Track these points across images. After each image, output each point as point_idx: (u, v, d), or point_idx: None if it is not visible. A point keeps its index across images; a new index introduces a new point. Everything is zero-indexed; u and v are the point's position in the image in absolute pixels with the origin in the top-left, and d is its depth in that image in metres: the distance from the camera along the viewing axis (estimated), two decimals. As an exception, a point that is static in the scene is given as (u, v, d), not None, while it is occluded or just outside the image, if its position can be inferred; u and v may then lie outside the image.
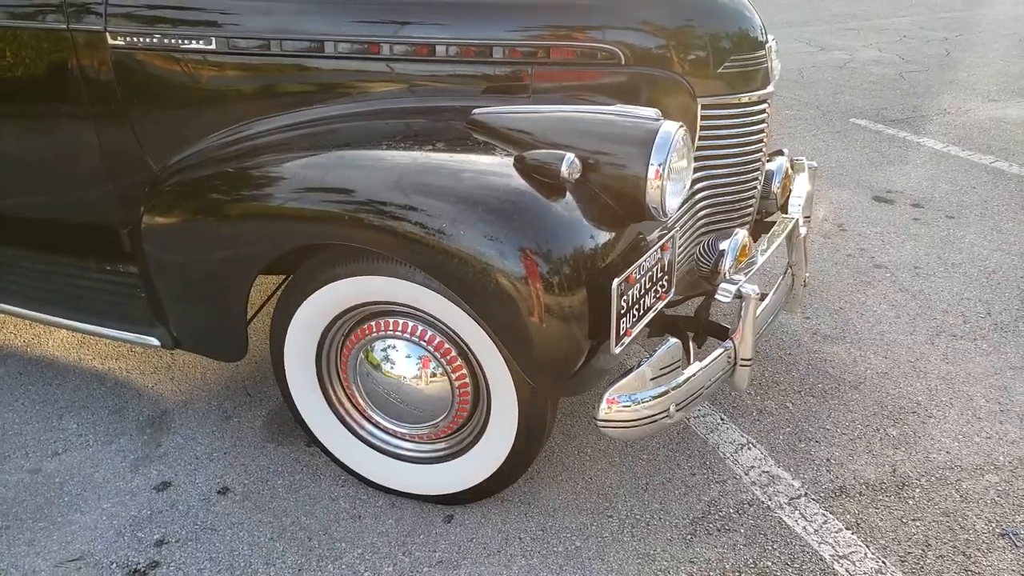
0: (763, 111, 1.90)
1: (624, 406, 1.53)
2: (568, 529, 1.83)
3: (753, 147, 1.90)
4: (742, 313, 1.68)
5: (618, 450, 2.07)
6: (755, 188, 1.96)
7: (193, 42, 1.84)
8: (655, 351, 1.55)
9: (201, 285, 1.84)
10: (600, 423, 1.54)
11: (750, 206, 1.97)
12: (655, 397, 1.55)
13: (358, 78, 1.81)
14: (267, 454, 2.10)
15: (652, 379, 1.53)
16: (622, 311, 1.48)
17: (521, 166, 1.49)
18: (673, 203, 1.53)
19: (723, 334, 1.88)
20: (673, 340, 1.56)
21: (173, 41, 1.85)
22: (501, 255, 1.43)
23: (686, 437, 2.12)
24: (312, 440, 1.95)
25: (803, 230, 1.99)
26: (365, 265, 1.66)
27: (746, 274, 1.71)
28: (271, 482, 2.00)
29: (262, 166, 1.72)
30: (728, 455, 2.05)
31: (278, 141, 1.78)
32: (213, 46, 1.84)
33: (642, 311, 1.57)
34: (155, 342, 2.00)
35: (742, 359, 1.70)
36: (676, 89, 1.78)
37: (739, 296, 1.65)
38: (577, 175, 1.47)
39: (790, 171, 2.18)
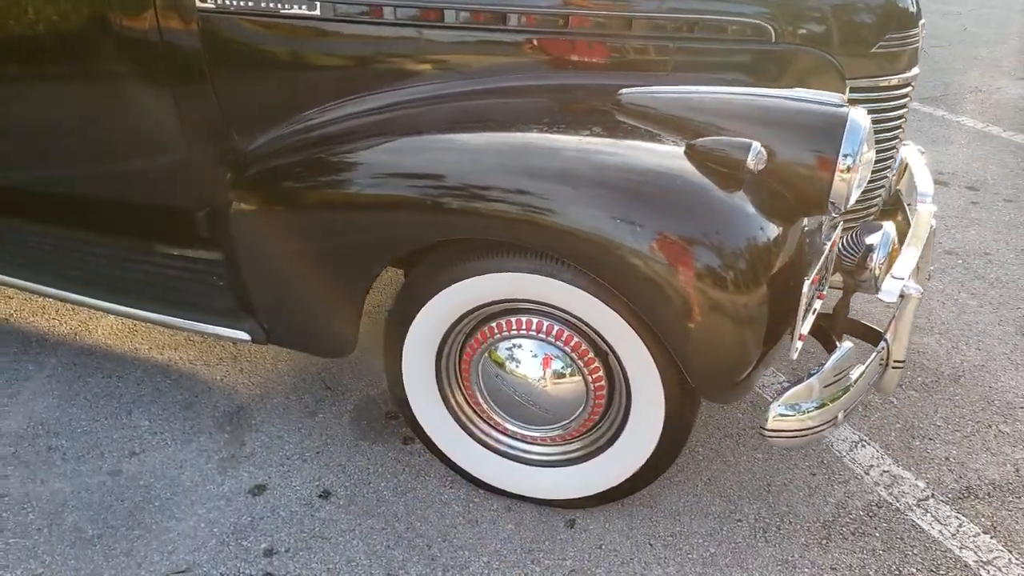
0: (907, 95, 1.80)
1: (793, 416, 1.45)
2: (698, 534, 1.76)
3: (892, 133, 1.81)
4: (898, 313, 1.60)
5: (731, 449, 2.00)
6: (888, 177, 1.87)
7: (294, 6, 1.68)
8: (828, 358, 1.46)
9: (309, 279, 1.70)
10: (768, 433, 1.46)
11: (879, 196, 1.89)
12: (824, 405, 1.47)
13: (481, 51, 1.66)
14: (363, 453, 1.98)
15: (826, 387, 1.45)
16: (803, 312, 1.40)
17: (696, 154, 1.38)
18: (855, 196, 1.43)
19: (867, 333, 1.80)
20: (848, 345, 1.48)
21: (271, 5, 1.68)
22: (680, 253, 1.32)
23: (797, 434, 2.05)
24: (427, 443, 1.83)
25: (933, 222, 1.91)
26: (497, 261, 1.53)
27: (902, 270, 1.63)
28: (374, 484, 1.89)
29: (384, 148, 1.57)
30: (844, 453, 1.99)
31: (398, 120, 1.63)
32: (317, 11, 1.67)
33: (809, 311, 1.48)
34: (244, 336, 1.85)
35: (895, 361, 1.63)
36: (825, 69, 1.66)
37: (901, 296, 1.57)
38: (762, 166, 1.36)
39: (906, 158, 2.09)
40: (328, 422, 2.09)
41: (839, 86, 1.68)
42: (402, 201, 1.50)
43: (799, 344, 1.43)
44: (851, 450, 2.00)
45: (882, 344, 1.61)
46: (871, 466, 1.95)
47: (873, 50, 1.68)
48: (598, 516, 1.79)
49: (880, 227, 1.71)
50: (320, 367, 2.30)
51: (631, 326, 1.48)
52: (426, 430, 1.80)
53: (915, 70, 1.79)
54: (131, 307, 1.98)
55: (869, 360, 1.57)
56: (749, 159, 1.33)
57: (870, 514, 1.81)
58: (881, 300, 1.62)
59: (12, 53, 1.87)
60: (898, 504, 1.84)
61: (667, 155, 1.39)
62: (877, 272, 1.65)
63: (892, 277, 1.59)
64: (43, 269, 2.12)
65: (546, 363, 1.64)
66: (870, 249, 1.67)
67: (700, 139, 1.38)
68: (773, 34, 1.62)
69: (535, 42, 1.64)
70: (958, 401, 2.18)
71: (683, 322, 1.35)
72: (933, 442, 2.03)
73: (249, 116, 1.81)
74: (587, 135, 1.46)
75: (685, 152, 1.39)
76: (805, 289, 1.35)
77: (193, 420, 2.09)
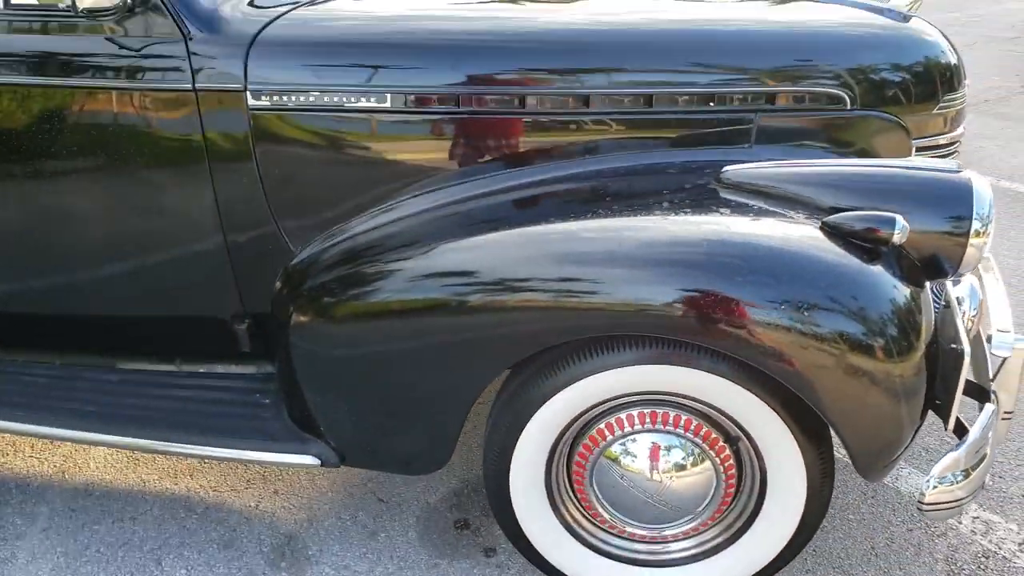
0: (955, 152, 1.85)
1: (946, 487, 1.41)
2: (829, 614, 1.68)
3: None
4: (1004, 364, 1.61)
5: (822, 513, 1.95)
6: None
7: (362, 99, 1.54)
8: (972, 424, 1.44)
9: (401, 397, 1.52)
10: (926, 508, 1.41)
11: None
12: (971, 471, 1.44)
13: (563, 134, 1.58)
14: (444, 573, 1.79)
15: (976, 452, 1.42)
16: None
17: (836, 231, 1.34)
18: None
19: (968, 388, 1.80)
20: (991, 407, 1.46)
21: (335, 99, 1.53)
22: (840, 331, 1.27)
23: (878, 488, 2.03)
24: (535, 559, 1.66)
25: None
26: (622, 355, 1.42)
27: (1005, 322, 1.64)
28: (470, 610, 1.71)
29: (494, 243, 1.45)
30: (927, 503, 1.98)
31: (495, 211, 1.52)
32: (388, 104, 1.54)
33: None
34: (313, 461, 1.64)
35: (1005, 412, 1.63)
36: (893, 132, 1.69)
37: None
38: (905, 239, 1.33)
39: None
40: (394, 541, 1.88)
41: (906, 147, 1.71)
42: (527, 303, 1.37)
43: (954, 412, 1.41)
44: (934, 499, 1.99)
45: (993, 398, 1.62)
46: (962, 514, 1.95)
47: (935, 111, 1.73)
48: (723, 610, 1.68)
49: (960, 280, 1.73)
50: (365, 477, 2.09)
51: (772, 409, 1.40)
52: (535, 544, 1.63)
53: (961, 128, 1.86)
54: (162, 441, 1.72)
55: (989, 417, 1.56)
56: (896, 233, 1.31)
57: (981, 567, 1.80)
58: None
59: (30, 150, 1.62)
60: (1002, 551, 1.83)
61: (807, 234, 1.35)
62: (969, 326, 1.66)
63: (999, 331, 1.60)
64: (40, 406, 1.82)
65: (659, 455, 1.54)
66: (959, 303, 1.68)
67: (837, 215, 1.35)
68: (848, 101, 1.63)
69: (618, 122, 1.58)
70: (1018, 431, 2.23)
71: (851, 401, 1.30)
72: (1005, 480, 2.06)
73: (305, 219, 1.64)
74: (712, 216, 1.40)
75: (822, 229, 1.35)
76: (967, 357, 1.33)
77: (238, 560, 1.83)
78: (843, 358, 1.27)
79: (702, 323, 1.28)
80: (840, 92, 1.63)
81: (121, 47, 1.53)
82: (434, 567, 1.81)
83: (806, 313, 1.26)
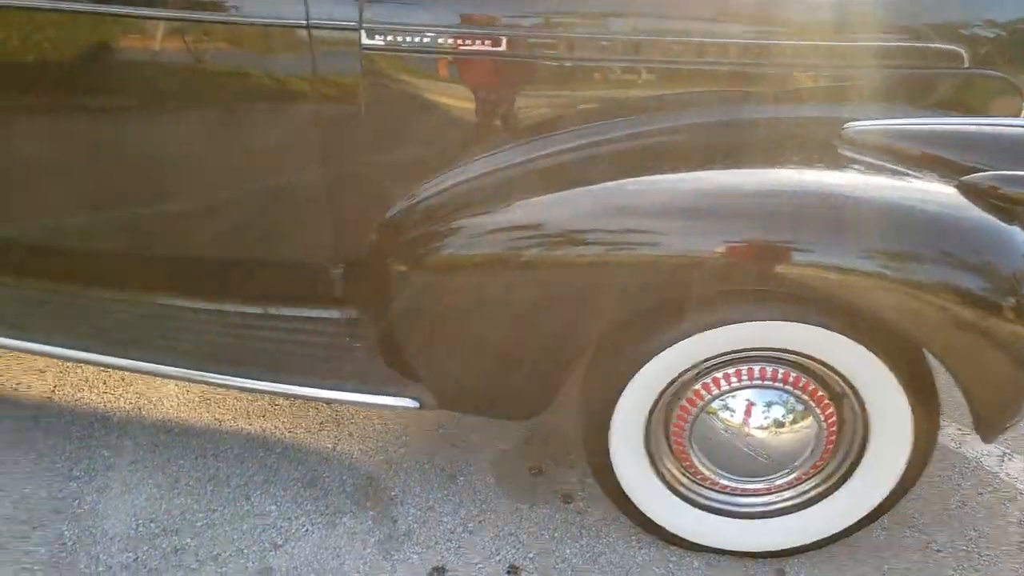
0: None
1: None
2: (910, 572, 1.72)
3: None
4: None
5: (893, 474, 1.98)
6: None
7: (476, 43, 1.52)
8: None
9: (509, 347, 1.53)
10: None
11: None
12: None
13: (680, 85, 1.56)
14: (528, 518, 1.83)
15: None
16: None
17: (971, 190, 1.34)
18: None
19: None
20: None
21: (449, 42, 1.52)
22: (976, 292, 1.28)
23: (945, 453, 2.06)
24: (626, 506, 1.69)
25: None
26: (732, 310, 1.43)
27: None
28: (559, 552, 1.74)
29: (606, 193, 1.45)
30: (995, 468, 2.01)
31: (608, 161, 1.51)
32: (503, 47, 1.52)
33: None
34: (411, 404, 1.66)
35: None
36: (1007, 92, 1.67)
37: None
38: None
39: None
40: (473, 485, 1.92)
41: (1017, 108, 1.69)
42: (647, 256, 1.38)
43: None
44: (1001, 464, 2.03)
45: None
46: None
47: None
48: (804, 563, 1.72)
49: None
50: (436, 423, 2.12)
51: (888, 367, 1.42)
52: (630, 496, 1.66)
53: None
54: (258, 380, 1.74)
55: None
56: (1036, 192, 1.31)
57: (1053, 530, 1.84)
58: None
59: (133, 84, 1.61)
60: (1072, 516, 1.88)
61: (943, 192, 1.35)
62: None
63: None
64: (133, 342, 1.83)
65: (761, 411, 1.56)
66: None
67: (974, 175, 1.35)
68: (965, 59, 1.62)
69: (739, 74, 1.56)
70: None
71: (980, 361, 1.31)
72: (1067, 447, 2.09)
73: (408, 163, 1.63)
74: (840, 172, 1.40)
75: (958, 188, 1.35)
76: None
77: (324, 499, 1.86)
78: (978, 317, 1.28)
79: (833, 280, 1.29)
80: (958, 49, 1.61)
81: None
82: (516, 511, 1.84)
83: (941, 271, 1.27)
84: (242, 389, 1.80)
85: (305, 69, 1.52)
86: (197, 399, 2.18)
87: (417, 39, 1.51)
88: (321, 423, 2.11)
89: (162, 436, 2.04)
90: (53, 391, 2.18)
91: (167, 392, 2.20)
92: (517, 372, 1.56)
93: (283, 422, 2.10)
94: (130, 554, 1.69)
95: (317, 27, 1.48)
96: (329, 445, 2.03)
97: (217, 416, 2.12)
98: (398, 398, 1.66)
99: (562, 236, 1.47)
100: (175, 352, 1.77)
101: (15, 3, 1.59)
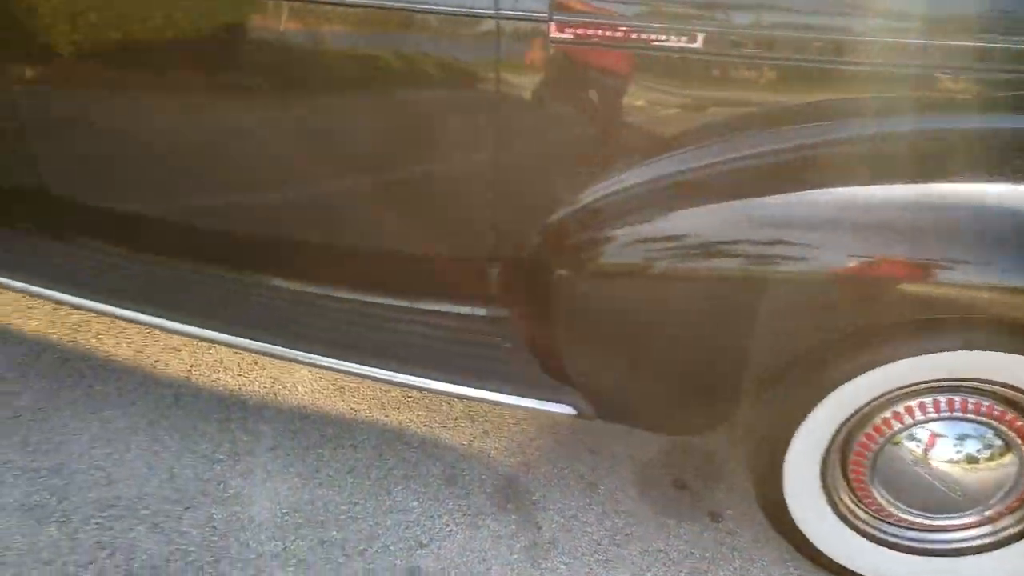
0: None
1: None
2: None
3: None
4: None
5: None
6: None
7: (671, 38, 1.44)
8: None
9: (684, 364, 1.46)
10: None
11: None
12: None
13: (899, 88, 1.44)
14: (675, 535, 1.76)
15: None
16: None
17: None
18: None
19: None
20: None
21: (642, 37, 1.44)
22: None
23: None
24: (798, 540, 1.61)
25: None
26: (925, 340, 1.33)
27: None
28: (711, 574, 1.67)
29: (797, 205, 1.36)
30: None
31: (802, 170, 1.42)
32: (698, 44, 1.44)
33: None
34: (568, 411, 1.60)
35: None
36: None
37: None
38: None
39: None
40: (615, 496, 1.86)
41: None
42: (849, 275, 1.28)
43: None
44: None
45: None
46: None
47: None
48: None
49: None
50: (570, 425, 2.06)
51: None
52: (806, 534, 1.57)
53: None
54: (407, 374, 1.71)
55: None
56: None
57: None
58: None
59: (308, 72, 1.60)
60: None
61: None
62: None
63: None
64: (280, 328, 1.83)
65: (953, 444, 1.45)
66: None
67: None
68: None
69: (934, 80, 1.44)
70: None
71: None
72: None
73: (582, 162, 1.57)
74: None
75: None
76: None
77: (465, 499, 1.83)
78: None
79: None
80: None
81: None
82: (662, 527, 1.78)
83: None
84: (386, 382, 1.76)
85: (488, 60, 1.47)
86: (331, 387, 2.18)
87: (608, 33, 1.44)
88: (455, 419, 2.08)
89: (298, 423, 2.05)
90: (190, 371, 2.22)
91: (300, 378, 2.21)
92: (686, 388, 1.49)
93: (418, 415, 2.08)
94: (278, 543, 1.69)
95: (506, 17, 1.43)
96: (465, 442, 2.00)
97: (352, 406, 2.11)
98: (554, 404, 1.61)
99: (735, 250, 1.39)
100: (315, 339, 1.75)
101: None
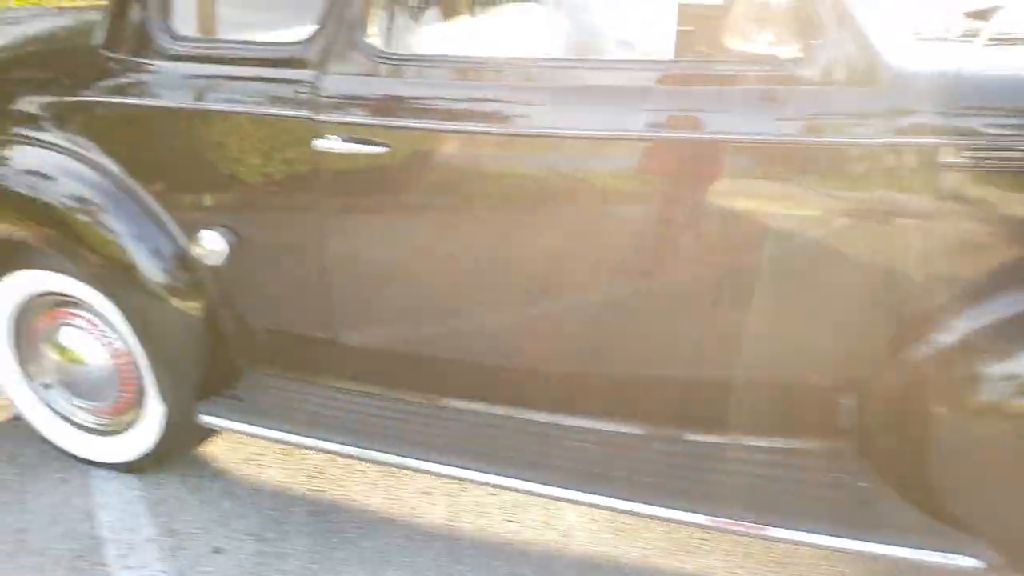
0: None
1: None
2: None
3: None
4: None
5: None
6: None
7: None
8: None
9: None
10: None
11: None
12: None
13: None
14: None
15: None
16: None
17: None
18: None
19: None
20: None
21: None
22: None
23: None
24: None
25: None
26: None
27: None
28: None
29: None
30: None
31: None
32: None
33: None
34: (974, 563, 1.43)
35: None
36: None
37: None
38: None
39: None
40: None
41: None
42: None
43: None
44: None
45: None
46: None
47: None
48: None
49: None
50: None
51: None
52: None
53: None
54: (736, 519, 1.57)
55: None
56: None
57: None
58: None
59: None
60: None
61: None
62: None
63: None
64: (593, 476, 1.71)
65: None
66: None
67: None
68: None
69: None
70: None
71: None
72: None
73: (954, 285, 1.45)
74: None
75: None
76: None
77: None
78: None
79: None
80: None
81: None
82: None
83: None
84: (733, 532, 1.62)
85: (891, 188, 1.40)
86: (606, 528, 2.02)
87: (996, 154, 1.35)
88: (764, 563, 1.89)
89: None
90: (452, 517, 2.08)
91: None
92: None
93: (716, 560, 1.90)
94: None
95: (894, 145, 1.36)
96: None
97: (643, 551, 1.94)
98: (951, 554, 1.44)
99: None
100: (642, 486, 1.64)
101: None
